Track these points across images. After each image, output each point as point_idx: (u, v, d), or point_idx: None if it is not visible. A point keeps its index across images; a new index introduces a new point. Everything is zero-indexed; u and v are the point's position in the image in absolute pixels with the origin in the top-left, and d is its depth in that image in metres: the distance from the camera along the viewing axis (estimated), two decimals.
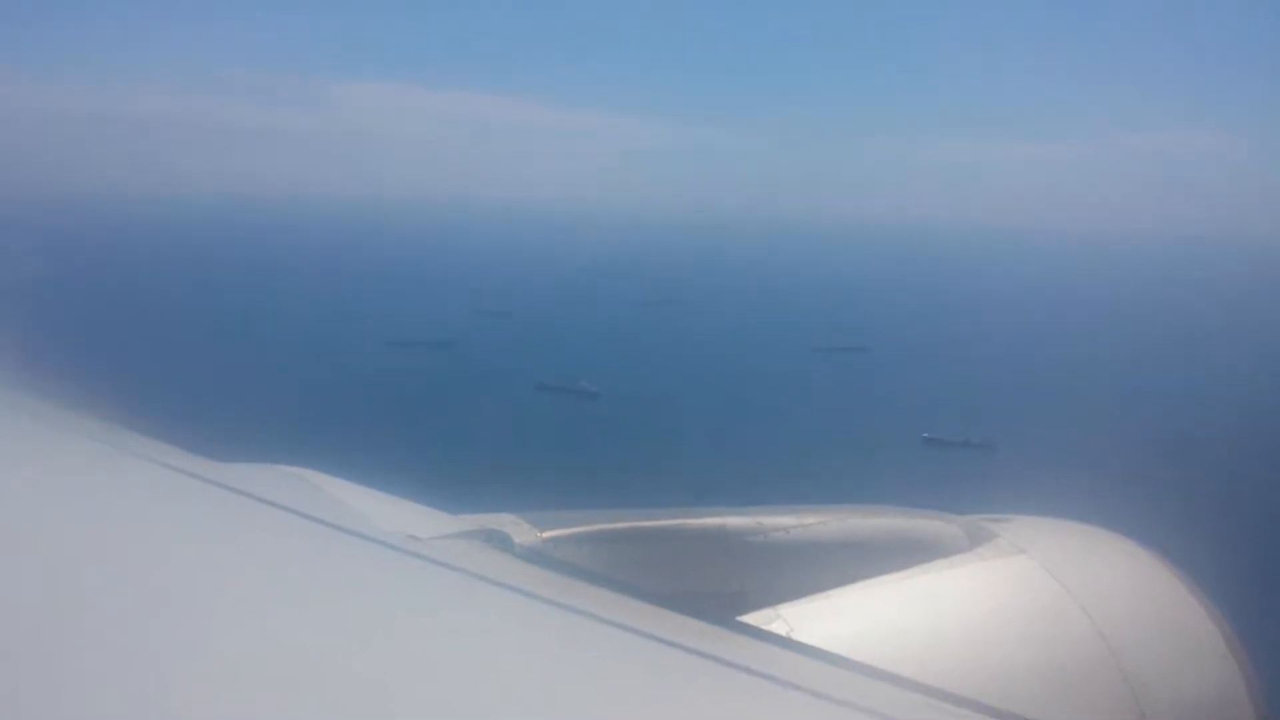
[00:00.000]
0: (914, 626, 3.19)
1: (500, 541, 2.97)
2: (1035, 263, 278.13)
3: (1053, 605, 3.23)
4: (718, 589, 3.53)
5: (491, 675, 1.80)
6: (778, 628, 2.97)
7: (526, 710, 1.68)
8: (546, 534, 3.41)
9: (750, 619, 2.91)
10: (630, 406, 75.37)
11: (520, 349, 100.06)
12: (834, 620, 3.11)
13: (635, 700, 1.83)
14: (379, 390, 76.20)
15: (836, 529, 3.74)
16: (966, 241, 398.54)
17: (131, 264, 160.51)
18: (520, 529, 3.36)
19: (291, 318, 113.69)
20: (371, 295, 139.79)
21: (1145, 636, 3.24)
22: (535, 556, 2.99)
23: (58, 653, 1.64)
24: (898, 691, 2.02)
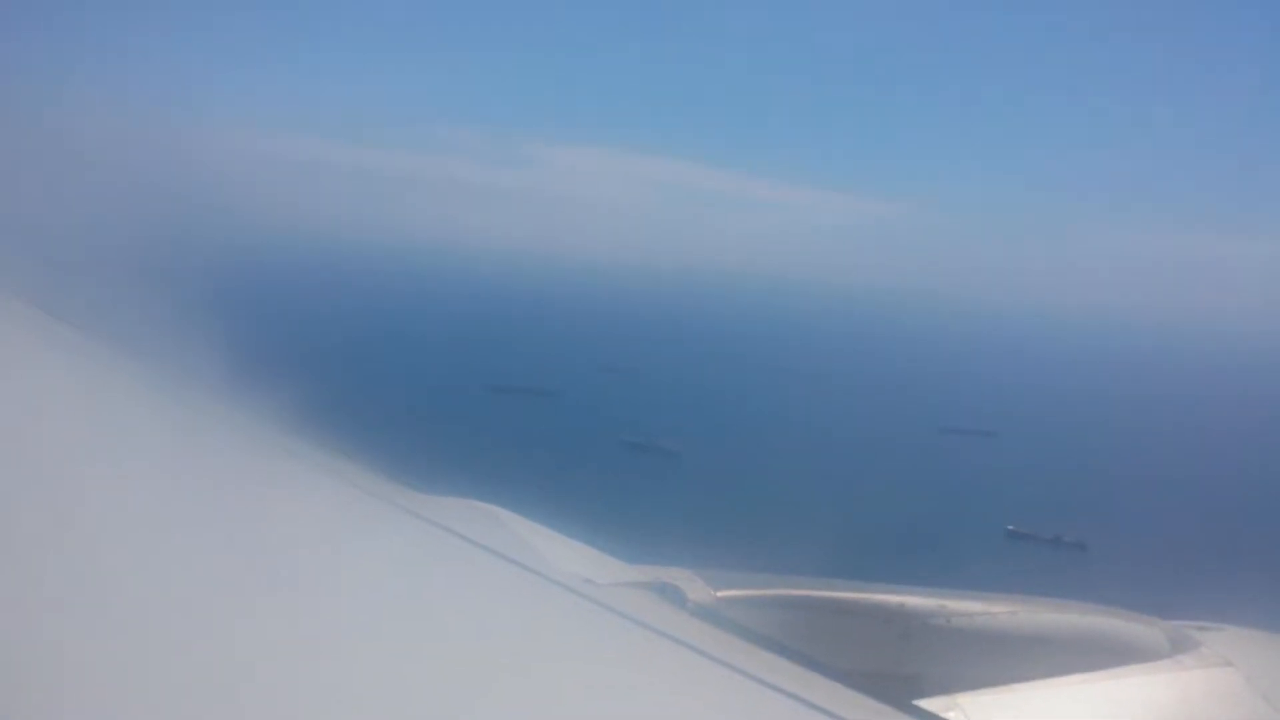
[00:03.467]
0: None
1: (673, 595, 3.02)
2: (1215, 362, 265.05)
3: None
4: (893, 669, 3.38)
5: None
6: (954, 717, 2.86)
7: None
8: (721, 593, 3.32)
9: (926, 704, 2.80)
10: (749, 471, 74.97)
11: (628, 403, 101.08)
12: (1014, 715, 2.98)
13: None
14: (482, 431, 77.47)
15: (1027, 620, 3.57)
16: (1157, 336, 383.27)
17: (345, 302, 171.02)
18: (694, 585, 3.32)
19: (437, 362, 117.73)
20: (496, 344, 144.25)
21: None
22: (706, 614, 2.97)
23: (239, 667, 1.71)
24: None
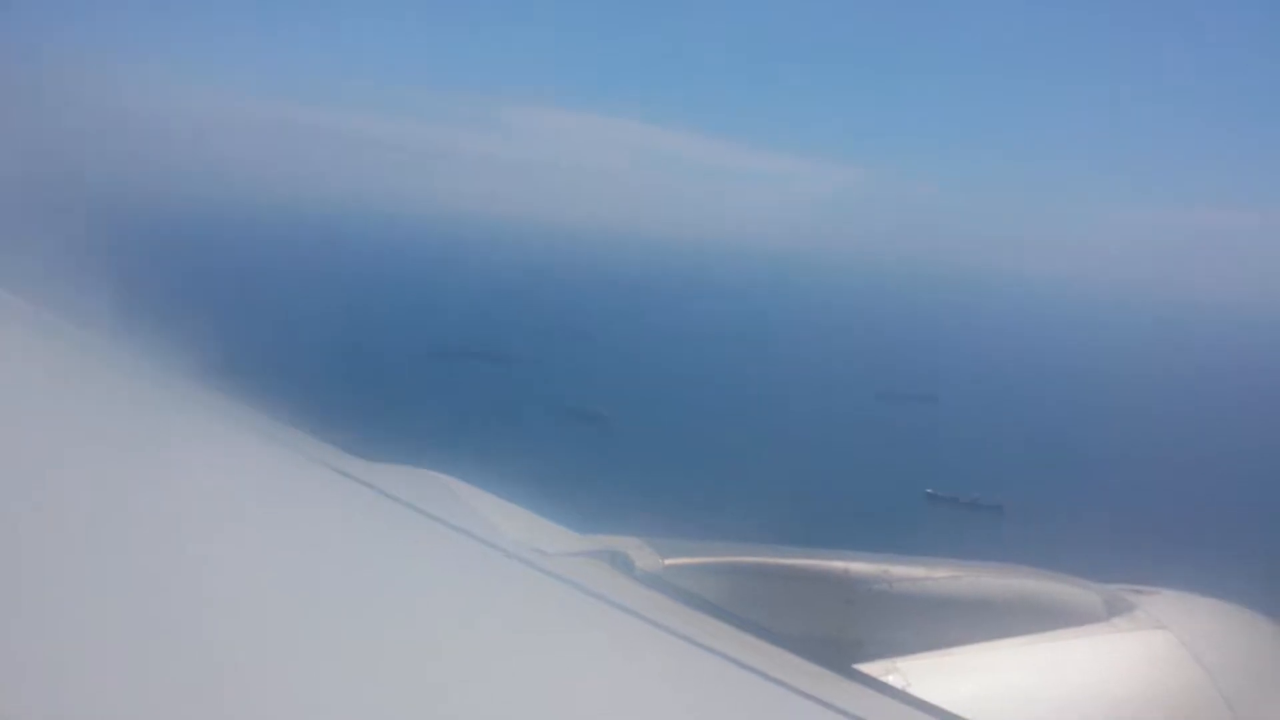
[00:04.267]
0: (1038, 693, 3.12)
1: (622, 564, 3.02)
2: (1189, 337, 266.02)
3: (1190, 685, 3.12)
4: (836, 634, 3.48)
5: (596, 696, 1.83)
6: (894, 680, 2.92)
7: None
8: (669, 561, 3.42)
9: (867, 668, 2.83)
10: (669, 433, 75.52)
11: (576, 369, 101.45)
12: (953, 678, 3.05)
13: None
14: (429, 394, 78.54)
15: (967, 585, 3.65)
16: (1116, 307, 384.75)
17: (292, 269, 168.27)
18: (643, 554, 3.38)
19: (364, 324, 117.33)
20: (420, 305, 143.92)
21: None
22: (654, 582, 3.03)
23: (191, 637, 1.68)
24: None
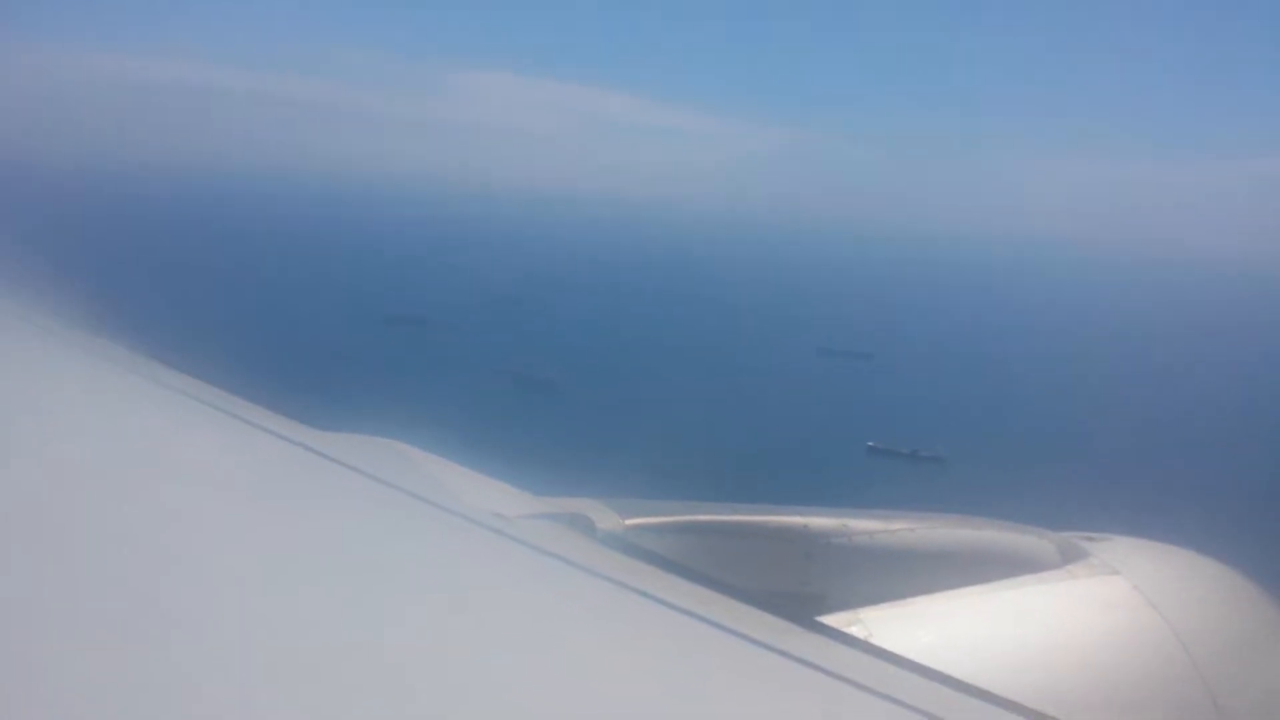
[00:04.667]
0: (996, 640, 3.16)
1: (583, 525, 3.02)
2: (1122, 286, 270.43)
3: (1143, 629, 3.18)
4: (797, 588, 3.52)
5: (562, 658, 1.83)
6: (856, 631, 2.94)
7: (596, 694, 1.70)
8: (629, 521, 3.43)
9: (829, 620, 2.87)
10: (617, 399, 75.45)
11: (518, 334, 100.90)
12: (914, 627, 3.09)
13: (707, 692, 1.83)
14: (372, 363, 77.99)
15: (924, 537, 3.72)
16: (1053, 258, 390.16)
17: (231, 238, 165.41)
18: (604, 515, 3.39)
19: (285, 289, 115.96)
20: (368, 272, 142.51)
21: (1239, 667, 3.21)
22: (616, 542, 3.04)
23: (139, 612, 1.65)
24: (974, 702, 2.01)
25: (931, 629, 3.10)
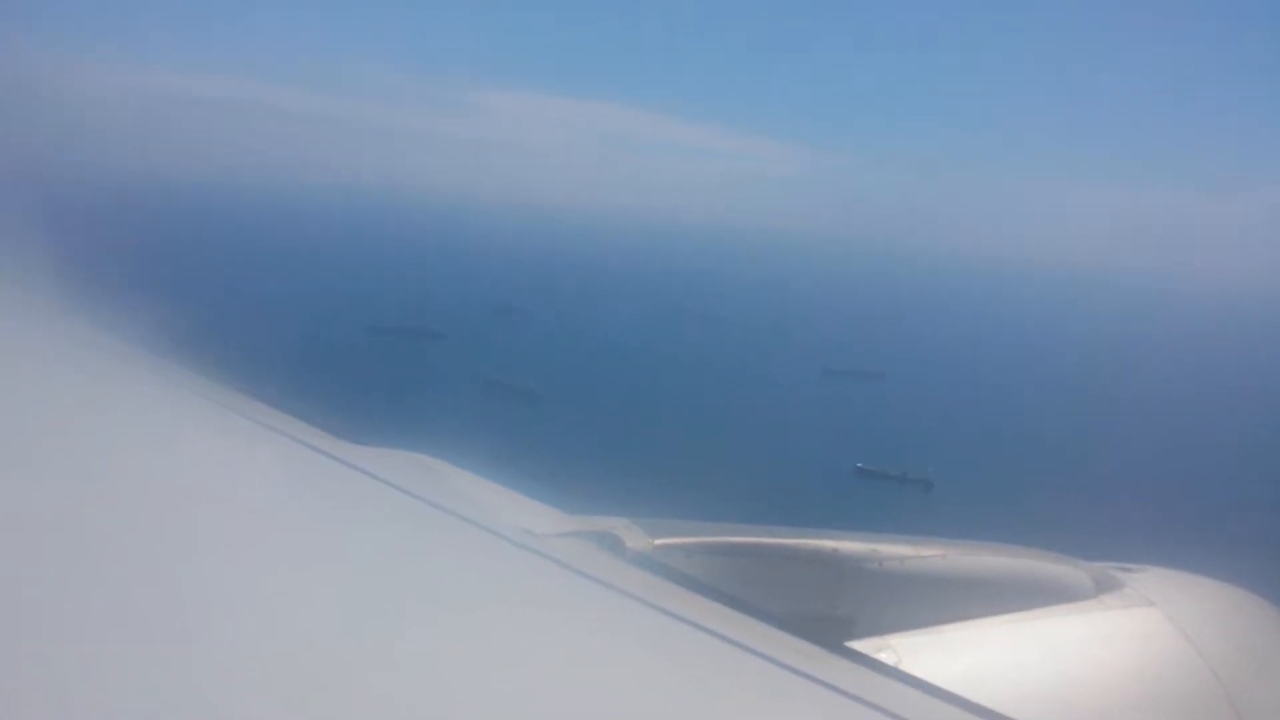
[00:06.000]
0: (1027, 670, 3.16)
1: (611, 544, 3.03)
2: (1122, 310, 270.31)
3: (1178, 661, 3.18)
4: (827, 613, 3.46)
5: (590, 675, 1.84)
6: (886, 657, 2.94)
7: (624, 713, 1.74)
8: (658, 541, 3.35)
9: (858, 646, 2.86)
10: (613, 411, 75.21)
11: (513, 346, 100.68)
12: (945, 655, 3.07)
13: (733, 714, 1.83)
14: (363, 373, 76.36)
15: (956, 564, 3.64)
16: (1060, 286, 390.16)
17: (250, 249, 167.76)
18: (632, 534, 3.32)
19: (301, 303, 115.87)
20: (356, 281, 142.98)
21: (1273, 697, 3.18)
22: (644, 562, 3.02)
23: (176, 623, 1.68)
24: None
25: (962, 657, 3.09)
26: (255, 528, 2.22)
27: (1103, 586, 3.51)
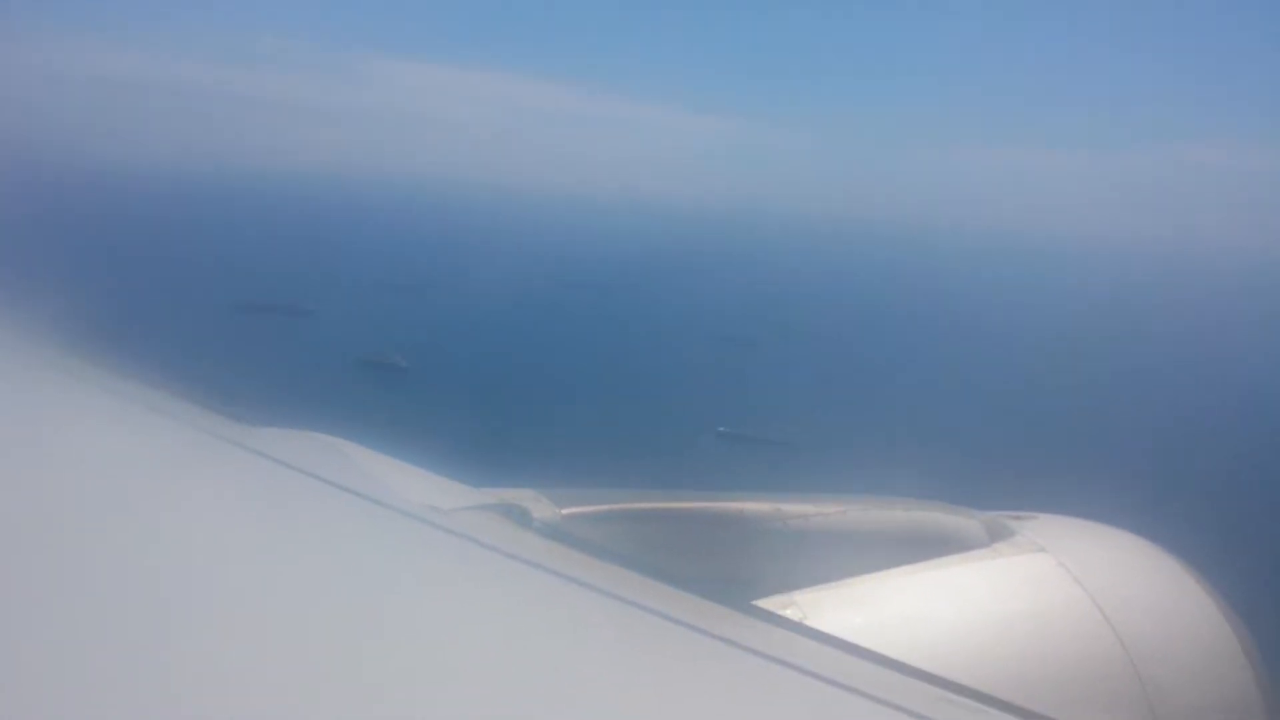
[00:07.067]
0: (927, 618, 3.23)
1: (519, 516, 2.98)
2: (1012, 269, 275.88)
3: (1069, 605, 3.26)
4: (733, 574, 3.44)
5: (501, 648, 1.86)
6: (792, 614, 2.98)
7: (536, 685, 1.76)
8: (565, 511, 3.39)
9: (764, 604, 2.89)
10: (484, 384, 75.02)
11: (388, 321, 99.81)
12: (848, 608, 3.14)
13: (644, 679, 1.88)
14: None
15: (855, 519, 3.74)
16: (958, 245, 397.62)
17: (152, 232, 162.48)
18: (540, 505, 3.34)
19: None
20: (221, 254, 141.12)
21: (1163, 641, 3.27)
22: (552, 532, 3.00)
23: (79, 623, 1.67)
24: (907, 680, 2.06)
25: (862, 609, 3.16)
26: (159, 519, 2.22)
27: (995, 535, 3.62)
